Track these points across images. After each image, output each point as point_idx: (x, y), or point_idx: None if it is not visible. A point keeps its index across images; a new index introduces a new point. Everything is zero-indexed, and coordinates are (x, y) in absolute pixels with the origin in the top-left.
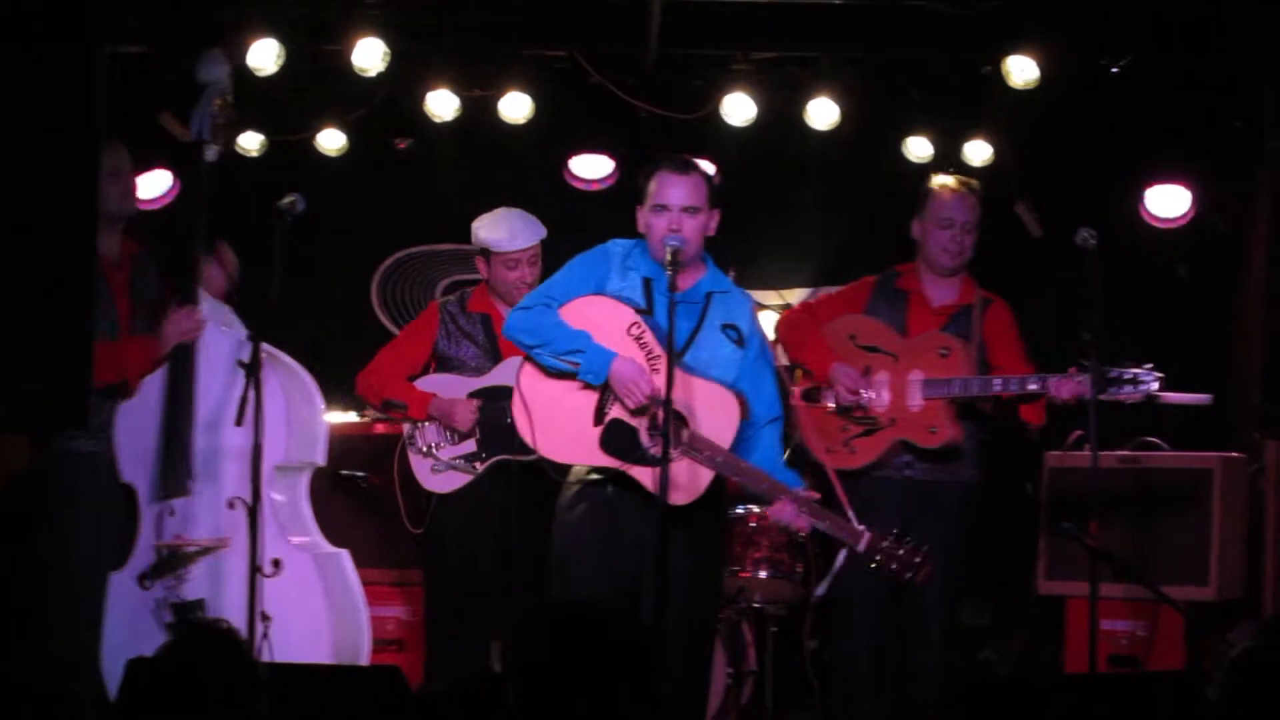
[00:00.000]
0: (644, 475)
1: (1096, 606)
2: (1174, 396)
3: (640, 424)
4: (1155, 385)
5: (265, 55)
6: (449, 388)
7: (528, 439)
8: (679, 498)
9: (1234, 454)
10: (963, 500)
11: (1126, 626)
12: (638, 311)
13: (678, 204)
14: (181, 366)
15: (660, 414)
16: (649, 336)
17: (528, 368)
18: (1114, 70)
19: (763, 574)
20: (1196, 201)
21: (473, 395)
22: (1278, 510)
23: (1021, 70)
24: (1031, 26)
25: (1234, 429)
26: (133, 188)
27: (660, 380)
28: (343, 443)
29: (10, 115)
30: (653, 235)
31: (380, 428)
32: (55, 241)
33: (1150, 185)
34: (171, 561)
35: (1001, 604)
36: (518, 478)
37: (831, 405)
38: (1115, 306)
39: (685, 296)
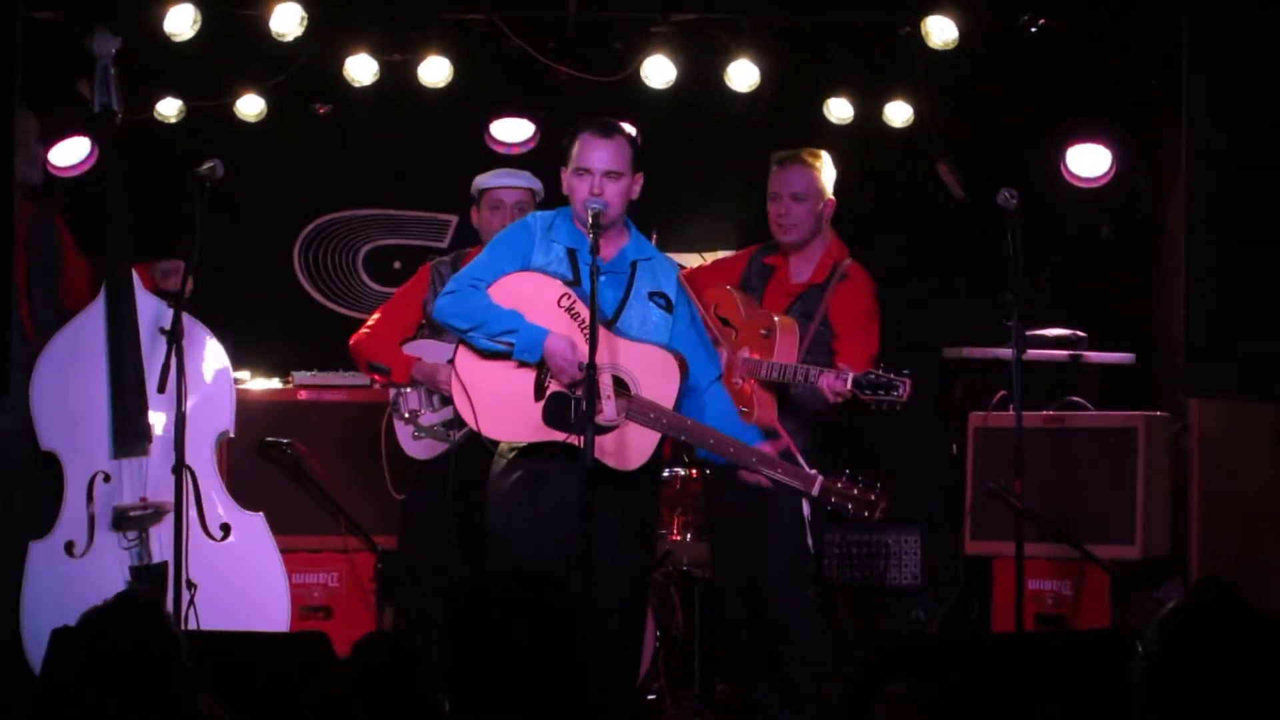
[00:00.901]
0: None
1: (1023, 566)
2: (1097, 356)
3: (579, 395)
4: (904, 393)
5: (182, 20)
6: (434, 354)
7: (470, 422)
8: (630, 463)
9: (1158, 413)
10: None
11: (1052, 586)
12: (565, 283)
13: (600, 167)
14: (122, 326)
15: (600, 383)
16: (579, 306)
17: (463, 351)
18: (1033, 30)
19: (689, 536)
20: (1117, 160)
21: None
22: (1201, 469)
23: (941, 30)
24: None
25: (1157, 388)
26: (37, 156)
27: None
28: (267, 408)
29: None
30: (575, 198)
31: (302, 394)
32: None
33: (1071, 145)
34: (132, 522)
35: (929, 564)
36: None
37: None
38: (1037, 266)
39: (611, 266)
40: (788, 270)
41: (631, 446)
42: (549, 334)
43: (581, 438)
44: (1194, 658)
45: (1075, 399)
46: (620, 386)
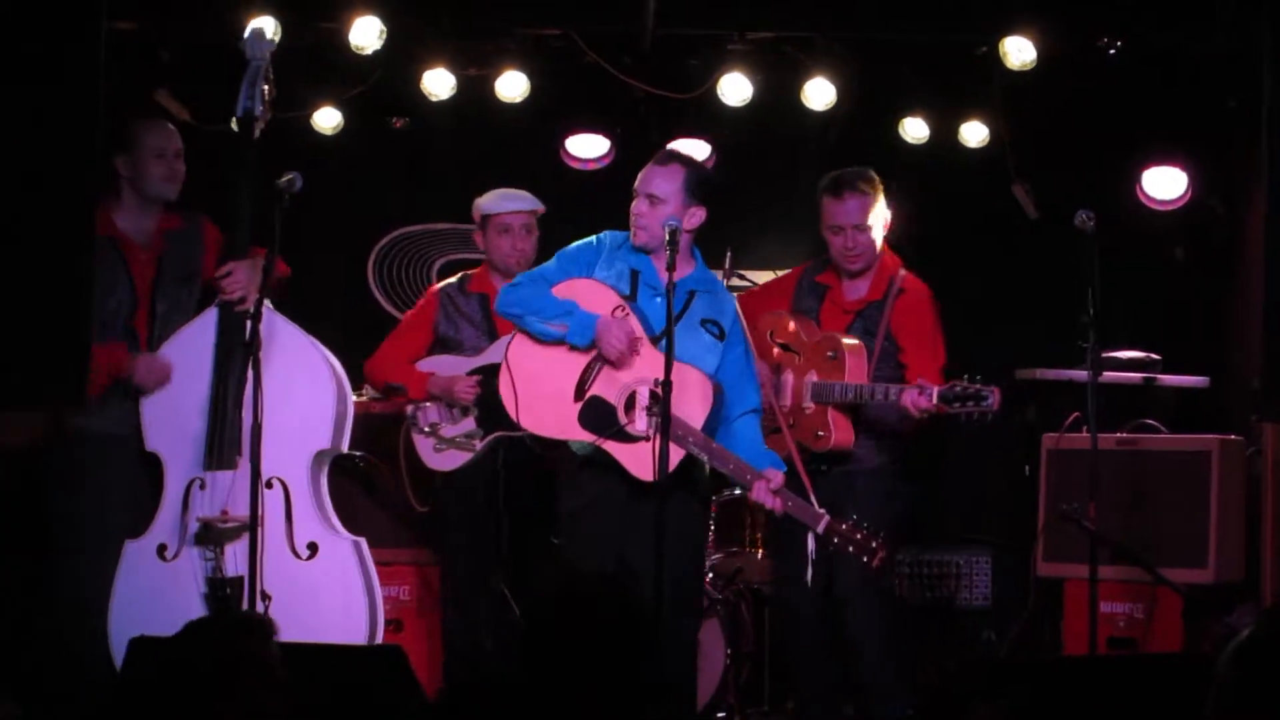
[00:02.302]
0: (620, 453)
1: (1096, 588)
2: (1171, 379)
3: (619, 401)
4: (994, 402)
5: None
6: (447, 366)
7: (510, 410)
8: (646, 473)
9: (1232, 436)
10: (874, 484)
11: (1124, 609)
12: (622, 298)
13: (643, 191)
14: (232, 336)
15: (638, 391)
16: (632, 319)
17: (517, 342)
18: (1111, 51)
19: (760, 554)
20: (1193, 183)
21: (471, 374)
22: (1275, 493)
23: (1019, 51)
24: (1029, 7)
25: (1231, 412)
26: (177, 172)
27: (641, 361)
28: None
29: (11, 93)
30: (631, 220)
31: (377, 407)
32: (54, 220)
33: (1147, 167)
34: (212, 534)
35: (1000, 586)
36: (507, 453)
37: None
38: (1112, 289)
39: (658, 283)
40: (842, 288)
41: (654, 459)
42: (600, 317)
43: (607, 442)
44: (1267, 686)
45: (1148, 422)
46: (652, 399)
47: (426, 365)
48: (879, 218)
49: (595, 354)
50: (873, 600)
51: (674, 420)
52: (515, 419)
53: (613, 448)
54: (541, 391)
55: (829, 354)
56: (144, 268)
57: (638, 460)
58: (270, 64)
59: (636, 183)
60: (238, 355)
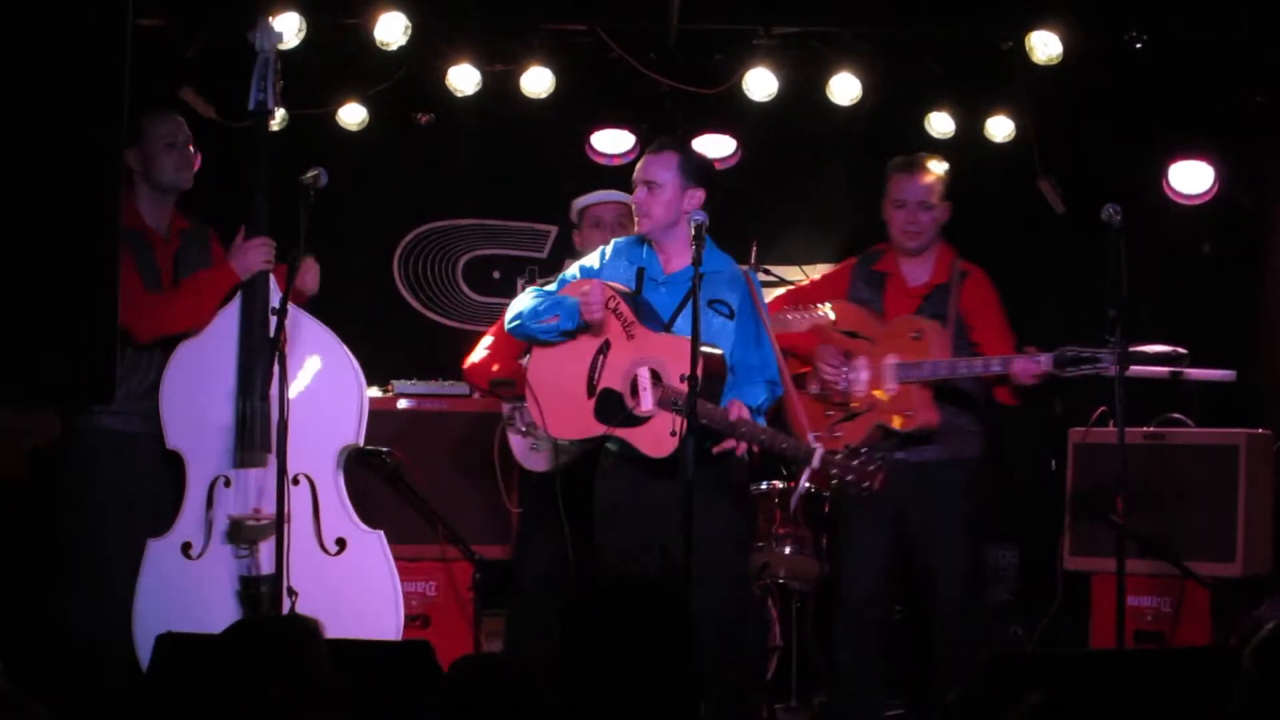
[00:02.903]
0: (633, 437)
1: (1123, 582)
2: (1198, 373)
3: (625, 388)
4: (1109, 365)
5: (287, 28)
6: None
7: (540, 424)
8: (662, 450)
9: (1259, 430)
10: (957, 479)
11: (1152, 602)
12: (620, 292)
13: (640, 178)
14: (254, 334)
15: (639, 374)
16: (623, 307)
17: (532, 357)
18: (1137, 46)
19: (786, 550)
20: (1220, 178)
21: None
22: None
23: (1045, 45)
24: (1055, 2)
25: (1258, 405)
26: (189, 160)
27: (637, 344)
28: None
29: (35, 87)
30: (637, 212)
31: (401, 403)
32: (79, 218)
33: (1173, 161)
34: (244, 533)
35: (1026, 580)
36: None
37: (815, 390)
38: (1138, 283)
39: (673, 277)
40: (902, 275)
41: (664, 434)
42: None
43: (624, 431)
44: None
45: (1176, 416)
46: (656, 379)
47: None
48: (942, 203)
49: (598, 349)
50: (973, 623)
51: (674, 391)
52: (544, 430)
53: (625, 434)
54: (561, 398)
55: (912, 334)
56: (166, 260)
57: (649, 439)
58: (278, 56)
59: (635, 174)
60: (262, 352)
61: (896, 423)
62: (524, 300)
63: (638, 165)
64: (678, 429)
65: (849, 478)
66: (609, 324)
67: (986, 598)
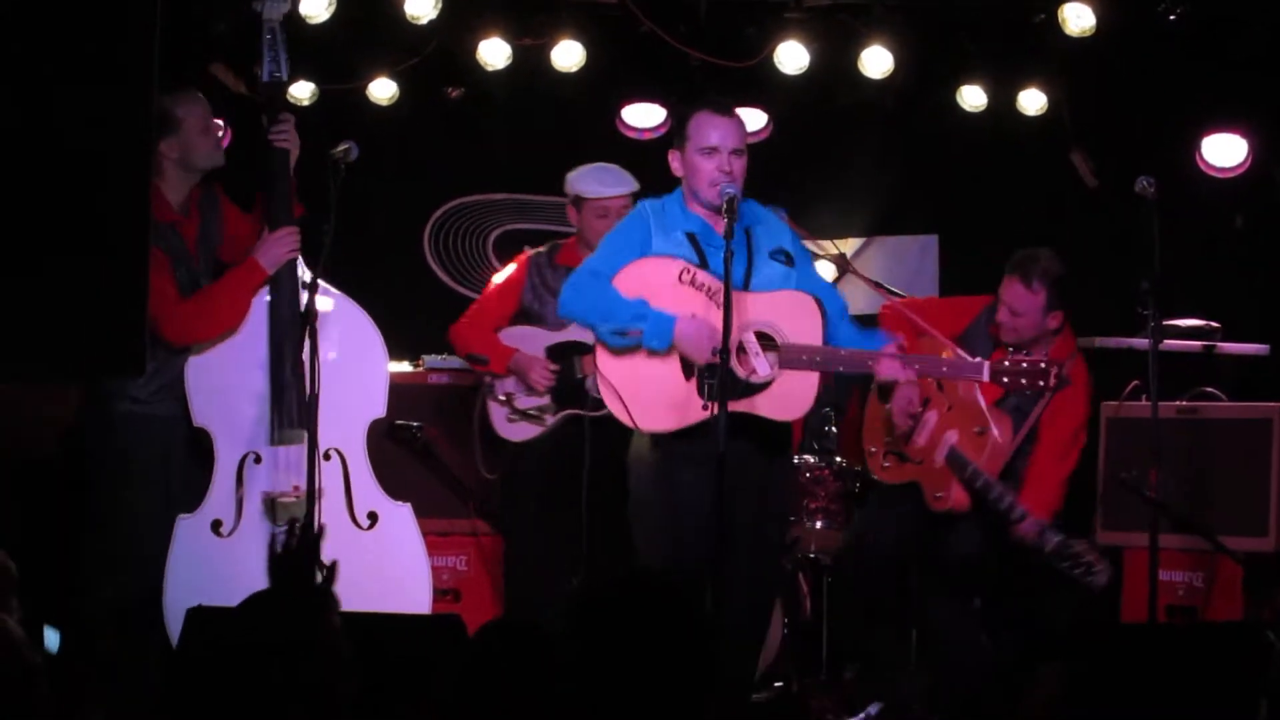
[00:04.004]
0: (759, 407)
1: (1156, 557)
2: (1231, 347)
3: (731, 359)
4: (1102, 581)
5: (317, 3)
6: (529, 341)
7: (627, 421)
8: (796, 411)
9: None
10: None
11: (1184, 577)
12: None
13: (729, 145)
14: (284, 314)
15: (744, 339)
16: (701, 277)
17: (601, 351)
18: (1171, 18)
19: (817, 524)
20: (1253, 150)
21: (551, 348)
22: None
23: (1078, 18)
24: None
25: None
26: (219, 138)
27: (734, 312)
28: (397, 391)
29: (64, 66)
30: (700, 178)
31: (432, 378)
32: (109, 193)
33: (1207, 134)
34: (280, 510)
35: None
36: (590, 432)
37: (889, 408)
38: (1171, 257)
39: (718, 238)
40: (1012, 354)
41: (793, 394)
42: (677, 319)
43: (748, 400)
44: None
45: (1209, 390)
46: (766, 340)
47: (509, 337)
48: (1038, 313)
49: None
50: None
51: (797, 348)
52: (634, 426)
53: (748, 405)
54: (649, 388)
55: (976, 429)
56: (193, 245)
57: (779, 403)
58: (282, 25)
59: (715, 140)
60: (291, 327)
61: (928, 497)
62: (591, 295)
63: (716, 131)
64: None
65: (1022, 380)
66: (689, 298)
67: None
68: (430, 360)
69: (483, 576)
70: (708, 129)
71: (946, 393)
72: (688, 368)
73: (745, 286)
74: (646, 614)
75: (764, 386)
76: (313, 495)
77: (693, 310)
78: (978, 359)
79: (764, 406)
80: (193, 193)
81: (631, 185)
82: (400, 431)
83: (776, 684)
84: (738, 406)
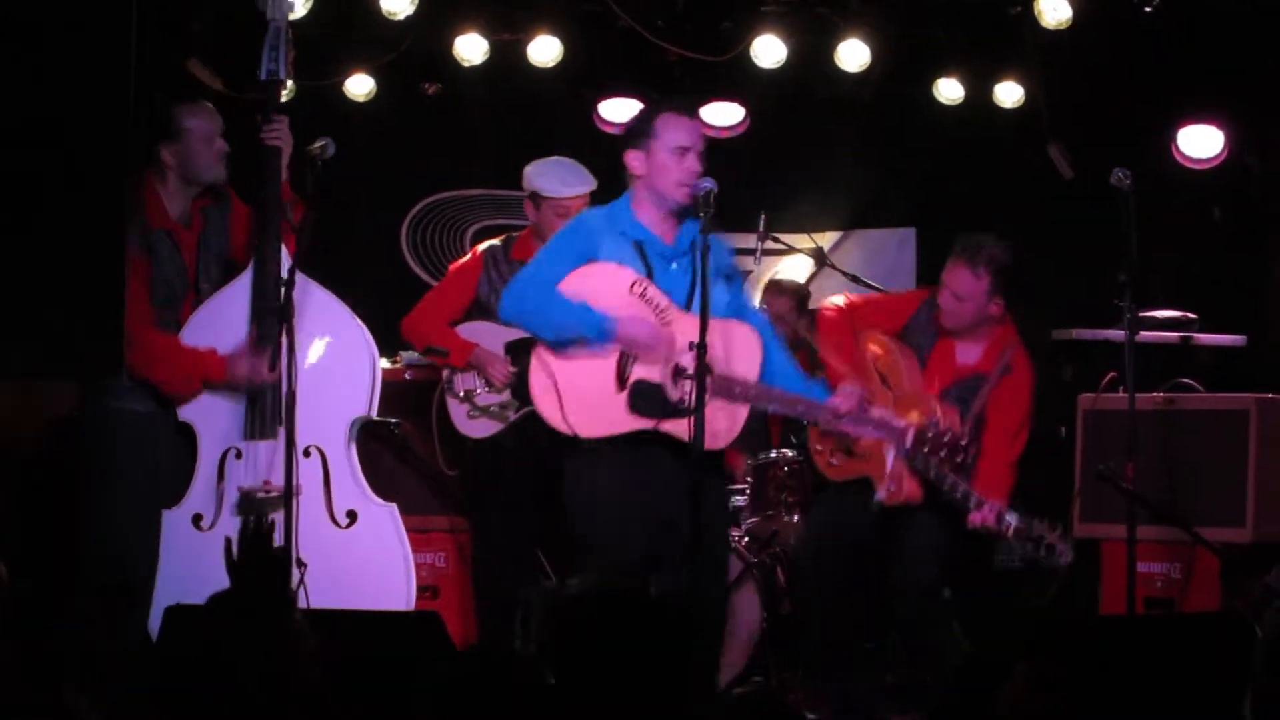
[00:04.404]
0: (678, 428)
1: (1134, 549)
2: (1208, 338)
3: (665, 378)
4: (1065, 561)
5: None
6: (488, 337)
7: (559, 424)
8: (719, 442)
9: (1269, 395)
10: (934, 524)
11: (1162, 569)
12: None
13: (698, 147)
14: (266, 307)
15: (682, 362)
16: (652, 291)
17: (540, 353)
18: (1147, 9)
19: (796, 518)
20: (1229, 142)
21: (510, 345)
22: None
23: (1054, 10)
24: None
25: (1269, 370)
26: (223, 154)
27: (676, 330)
28: None
29: (41, 61)
30: (668, 178)
31: (411, 374)
32: (87, 191)
33: (1183, 126)
34: (254, 505)
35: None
36: (547, 435)
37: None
38: (1148, 248)
39: (674, 249)
40: (954, 345)
41: (720, 424)
42: (619, 320)
43: (673, 422)
44: None
45: (1186, 381)
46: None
47: (468, 332)
48: (981, 298)
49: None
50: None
51: (732, 380)
52: (563, 428)
53: (671, 427)
54: (581, 393)
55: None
56: (190, 253)
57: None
58: (289, 25)
59: (686, 140)
60: (272, 323)
61: (883, 492)
62: (535, 298)
63: (681, 130)
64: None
65: (942, 454)
66: (637, 310)
67: (996, 565)
68: (407, 356)
69: (461, 574)
70: (678, 129)
71: (892, 385)
72: (621, 380)
73: (687, 307)
74: (623, 626)
75: (691, 411)
76: (290, 492)
77: None
78: (903, 423)
79: (685, 431)
80: (195, 201)
81: (591, 184)
82: (377, 428)
83: (755, 678)
84: (665, 426)
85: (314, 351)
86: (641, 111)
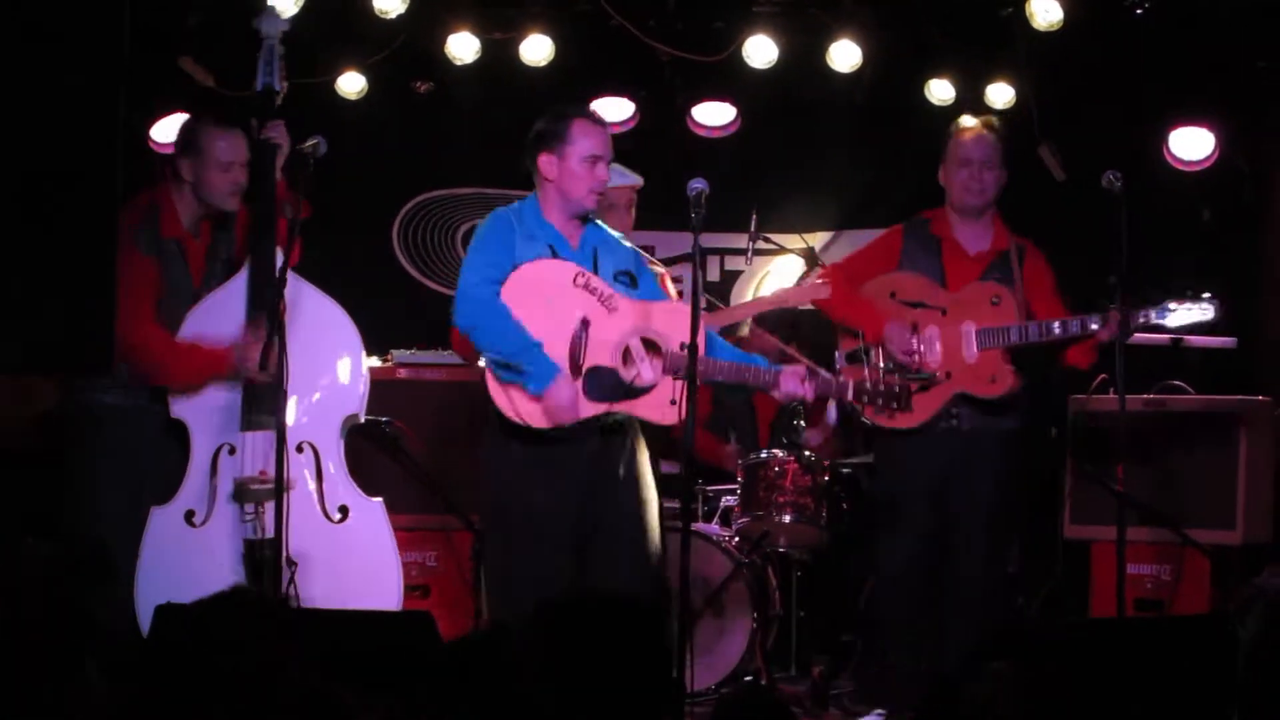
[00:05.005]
0: (637, 409)
1: (1123, 550)
2: (1199, 340)
3: (616, 361)
4: (1217, 312)
5: None
6: None
7: (511, 414)
8: (671, 416)
9: (1259, 398)
10: (1005, 448)
11: (1152, 570)
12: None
13: (609, 155)
14: (260, 305)
15: (630, 345)
16: (595, 281)
17: None
18: (1138, 12)
19: (786, 518)
20: (1220, 144)
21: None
22: None
23: (1045, 12)
24: None
25: (1259, 372)
26: (241, 184)
27: (621, 315)
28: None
29: (32, 55)
30: (579, 184)
31: (401, 372)
32: (77, 186)
33: (1174, 128)
34: (249, 494)
35: (1028, 549)
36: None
37: (881, 365)
38: (1139, 250)
39: (578, 253)
40: (958, 241)
41: (672, 396)
42: (558, 374)
43: (628, 403)
44: None
45: (1176, 383)
46: (651, 347)
47: None
48: (1003, 168)
49: (578, 328)
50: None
51: (680, 356)
52: (519, 420)
53: (629, 407)
54: None
55: (992, 299)
56: (197, 261)
57: (656, 407)
58: (281, 41)
59: (600, 149)
60: (264, 316)
61: (983, 390)
62: (487, 316)
63: (595, 140)
64: (677, 397)
65: (879, 401)
66: (582, 301)
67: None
68: (399, 355)
69: (452, 572)
70: (592, 137)
71: (934, 302)
72: (575, 368)
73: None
74: (610, 631)
75: (646, 390)
76: (281, 488)
77: (583, 315)
78: (842, 378)
79: (644, 409)
80: (208, 212)
81: (637, 179)
82: (369, 427)
83: (746, 677)
84: (620, 407)
85: (307, 349)
86: (556, 116)
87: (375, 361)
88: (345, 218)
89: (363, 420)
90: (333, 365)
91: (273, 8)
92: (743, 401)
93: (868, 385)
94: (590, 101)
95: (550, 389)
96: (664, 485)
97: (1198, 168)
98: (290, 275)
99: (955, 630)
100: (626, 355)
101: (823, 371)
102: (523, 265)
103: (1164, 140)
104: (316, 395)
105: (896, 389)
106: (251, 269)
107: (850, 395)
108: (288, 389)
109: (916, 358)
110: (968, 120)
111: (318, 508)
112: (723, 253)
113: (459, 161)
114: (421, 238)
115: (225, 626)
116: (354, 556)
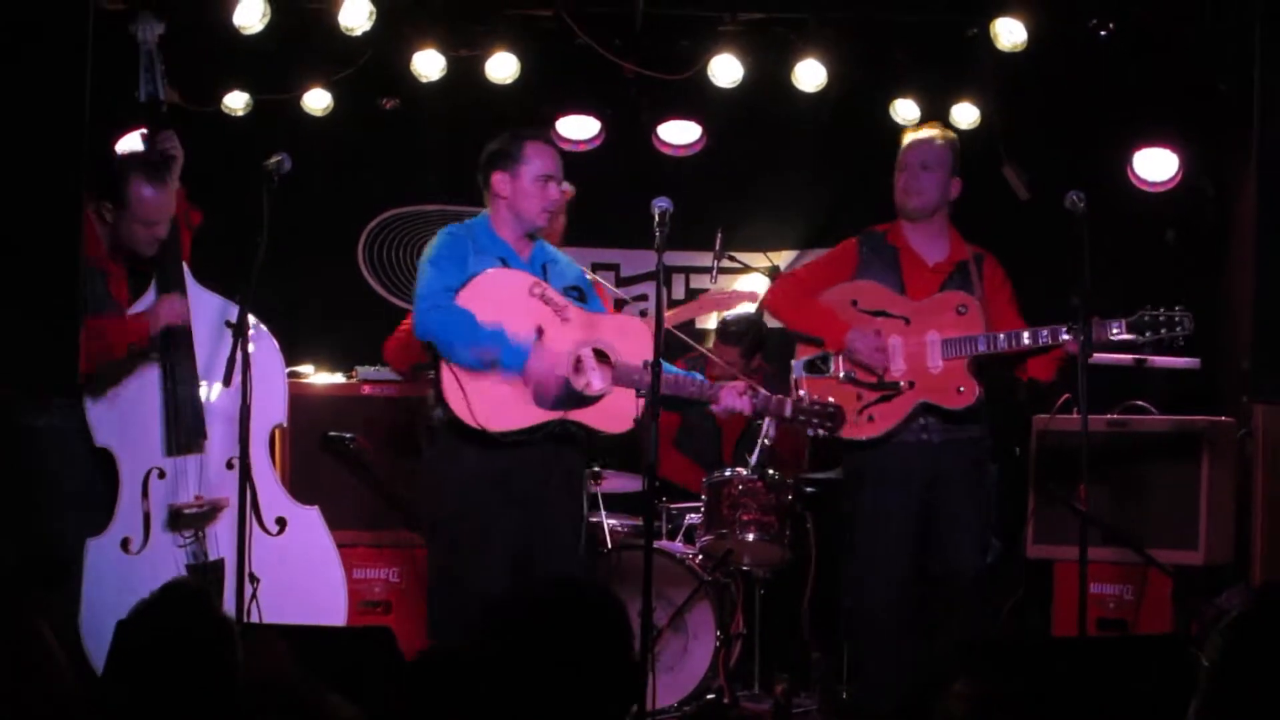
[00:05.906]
0: (587, 417)
1: (1086, 570)
2: (1162, 360)
3: (568, 370)
4: (1189, 328)
5: (251, 13)
6: None
7: (468, 419)
8: (619, 426)
9: (1222, 418)
10: (976, 457)
11: (1114, 590)
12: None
13: (560, 174)
14: (173, 329)
15: (582, 355)
16: (550, 292)
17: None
18: (1102, 33)
19: (750, 536)
20: (1184, 165)
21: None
22: (1265, 474)
23: (1009, 33)
24: None
25: (1222, 393)
26: (160, 236)
27: (573, 326)
28: (330, 403)
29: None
30: (532, 203)
31: (365, 389)
32: (41, 206)
33: (1138, 149)
34: (186, 520)
35: (990, 568)
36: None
37: (842, 375)
38: (1102, 270)
39: (529, 268)
40: (916, 252)
41: (621, 409)
42: (530, 356)
43: (580, 411)
44: (1257, 666)
45: (1139, 403)
46: (602, 358)
47: None
48: (948, 172)
49: (532, 336)
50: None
51: (630, 367)
52: (474, 423)
53: (580, 415)
54: (493, 389)
55: (959, 308)
56: (120, 287)
57: (605, 416)
58: (159, 46)
59: (552, 168)
60: (181, 341)
61: (948, 400)
62: (448, 316)
63: (550, 162)
64: (639, 410)
65: (814, 420)
66: (537, 310)
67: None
68: (364, 371)
69: (414, 589)
70: (545, 158)
71: (897, 311)
72: None
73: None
74: (571, 625)
75: (595, 400)
76: (245, 507)
77: (539, 322)
78: (779, 396)
79: (592, 418)
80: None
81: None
82: (333, 443)
83: (709, 696)
84: (571, 415)
85: (225, 363)
86: (509, 137)
87: (340, 378)
88: (311, 234)
89: (326, 434)
90: (256, 378)
91: (147, 12)
92: (708, 420)
93: (804, 404)
94: (555, 119)
95: (530, 362)
96: (628, 503)
97: (1161, 189)
98: (199, 290)
99: (944, 631)
100: (578, 364)
101: (762, 389)
102: (481, 273)
103: (1128, 161)
104: (240, 409)
105: (831, 409)
106: (158, 292)
107: (788, 413)
108: (209, 405)
109: (885, 362)
110: (916, 128)
111: (255, 521)
112: (688, 271)
113: (425, 178)
114: (387, 254)
115: (179, 614)
116: (298, 565)
